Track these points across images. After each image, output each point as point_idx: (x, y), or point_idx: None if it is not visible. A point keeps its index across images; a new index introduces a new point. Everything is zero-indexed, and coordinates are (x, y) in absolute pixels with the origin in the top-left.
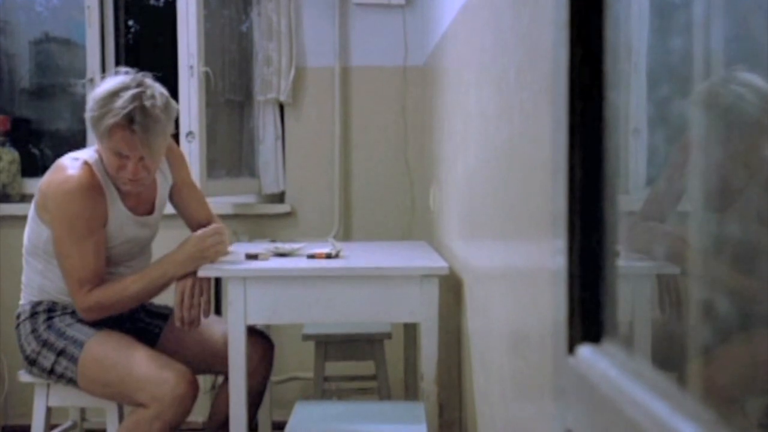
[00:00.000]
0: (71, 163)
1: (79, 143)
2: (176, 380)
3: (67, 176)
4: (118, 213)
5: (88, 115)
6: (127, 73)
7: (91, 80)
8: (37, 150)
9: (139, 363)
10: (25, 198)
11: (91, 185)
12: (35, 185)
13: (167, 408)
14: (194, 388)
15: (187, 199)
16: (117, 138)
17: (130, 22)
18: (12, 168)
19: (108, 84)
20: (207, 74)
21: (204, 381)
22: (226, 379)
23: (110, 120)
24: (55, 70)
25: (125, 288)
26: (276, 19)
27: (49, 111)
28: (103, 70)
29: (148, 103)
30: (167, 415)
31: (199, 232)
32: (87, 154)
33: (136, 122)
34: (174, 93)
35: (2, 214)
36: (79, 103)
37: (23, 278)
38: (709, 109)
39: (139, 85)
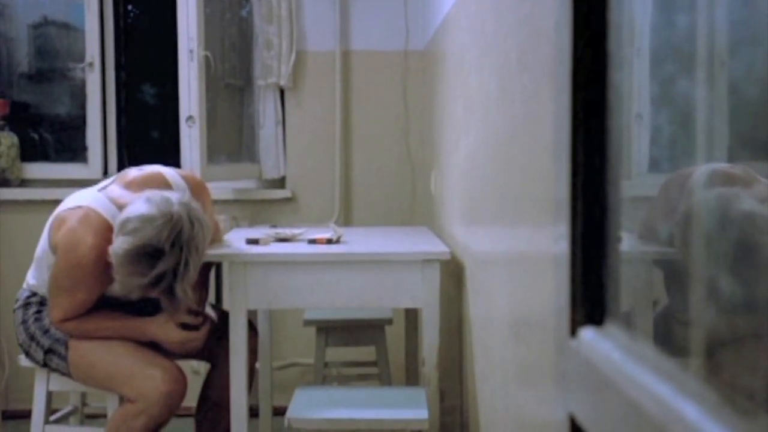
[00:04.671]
0: (94, 219)
1: (78, 128)
2: (162, 376)
3: (85, 242)
4: None
5: (113, 250)
6: (162, 199)
7: (91, 64)
8: (36, 134)
9: (124, 359)
10: (24, 182)
11: (105, 256)
12: (35, 170)
13: (153, 404)
14: (181, 385)
15: None
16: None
17: (129, 6)
18: (11, 152)
19: (141, 232)
20: (207, 58)
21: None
22: (213, 366)
23: (135, 289)
24: (54, 54)
25: (96, 329)
26: (276, 3)
27: (48, 95)
28: (103, 53)
29: (178, 287)
30: (153, 411)
31: (182, 334)
32: (112, 211)
33: (162, 293)
34: (174, 77)
35: (2, 199)
36: (79, 87)
37: (31, 268)
38: (713, 224)
39: (175, 243)
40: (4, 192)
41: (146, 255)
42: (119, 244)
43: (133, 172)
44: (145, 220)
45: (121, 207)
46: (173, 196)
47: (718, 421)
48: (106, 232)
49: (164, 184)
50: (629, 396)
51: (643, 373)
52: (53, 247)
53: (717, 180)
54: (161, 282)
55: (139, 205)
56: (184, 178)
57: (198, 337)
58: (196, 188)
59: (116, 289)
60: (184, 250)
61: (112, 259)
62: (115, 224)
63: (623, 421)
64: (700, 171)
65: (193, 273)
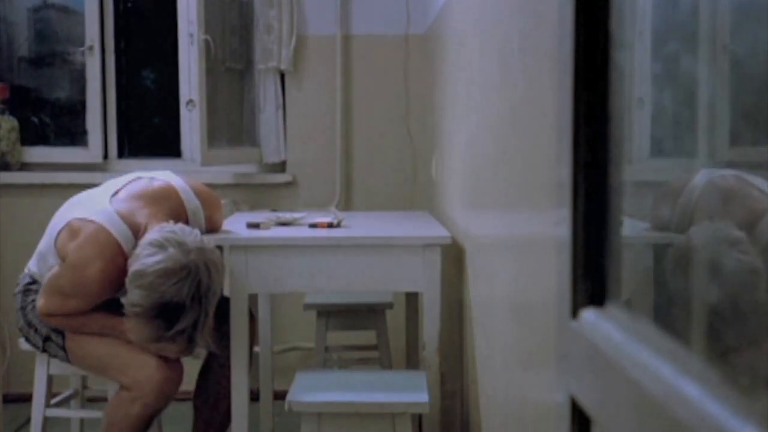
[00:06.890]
0: (104, 241)
1: (78, 112)
2: (157, 365)
3: (93, 265)
4: None
5: (127, 301)
6: (178, 247)
7: (90, 48)
8: (36, 118)
9: (119, 348)
10: (24, 166)
11: (111, 279)
12: (35, 154)
13: (148, 393)
14: (176, 373)
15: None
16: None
17: None
18: (11, 136)
19: (159, 288)
20: (207, 42)
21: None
22: (210, 354)
23: (151, 340)
24: (53, 38)
25: (81, 326)
26: None
27: (48, 79)
28: (102, 37)
29: (198, 337)
30: (147, 398)
31: (155, 345)
32: (124, 232)
33: (182, 344)
34: (174, 61)
35: (2, 183)
36: (78, 71)
37: (34, 256)
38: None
39: (195, 297)
40: (4, 176)
41: (166, 311)
42: (135, 299)
43: (143, 183)
44: (162, 275)
45: (131, 225)
46: (188, 237)
47: (720, 400)
48: (115, 255)
49: (175, 198)
50: (630, 376)
51: (644, 353)
52: (60, 254)
53: (713, 197)
54: (182, 335)
55: (155, 256)
56: (195, 191)
57: (173, 351)
58: (207, 201)
59: (131, 336)
60: (204, 302)
61: (127, 311)
62: (129, 273)
63: (625, 402)
64: (694, 183)
65: (210, 317)
